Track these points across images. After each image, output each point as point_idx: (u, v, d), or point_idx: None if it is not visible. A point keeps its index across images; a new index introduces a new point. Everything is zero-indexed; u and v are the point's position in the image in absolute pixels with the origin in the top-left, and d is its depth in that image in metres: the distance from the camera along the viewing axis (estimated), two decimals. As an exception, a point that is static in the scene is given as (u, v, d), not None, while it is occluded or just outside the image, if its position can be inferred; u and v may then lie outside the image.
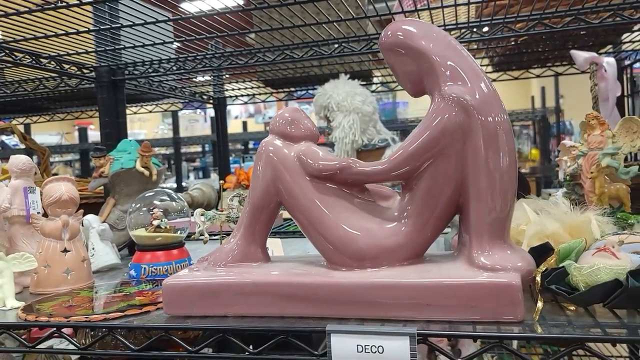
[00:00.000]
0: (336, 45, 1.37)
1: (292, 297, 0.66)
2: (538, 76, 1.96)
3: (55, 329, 0.70)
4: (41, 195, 0.95)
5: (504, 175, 0.64)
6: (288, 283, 0.67)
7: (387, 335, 0.59)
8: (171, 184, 4.16)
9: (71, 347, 0.73)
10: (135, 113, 2.38)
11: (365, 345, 0.60)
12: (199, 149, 6.16)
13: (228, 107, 2.33)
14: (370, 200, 0.72)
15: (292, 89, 2.14)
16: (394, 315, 0.63)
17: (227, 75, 2.08)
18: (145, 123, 5.85)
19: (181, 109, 2.62)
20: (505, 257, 0.64)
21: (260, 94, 2.17)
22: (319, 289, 0.65)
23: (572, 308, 0.64)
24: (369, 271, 0.67)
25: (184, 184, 4.04)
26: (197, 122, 5.56)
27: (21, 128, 4.02)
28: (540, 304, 0.62)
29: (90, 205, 1.45)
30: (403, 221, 0.68)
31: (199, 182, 2.15)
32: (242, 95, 2.19)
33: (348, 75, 1.71)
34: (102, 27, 1.22)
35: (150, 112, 2.37)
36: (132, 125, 5.45)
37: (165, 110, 2.45)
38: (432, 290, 0.62)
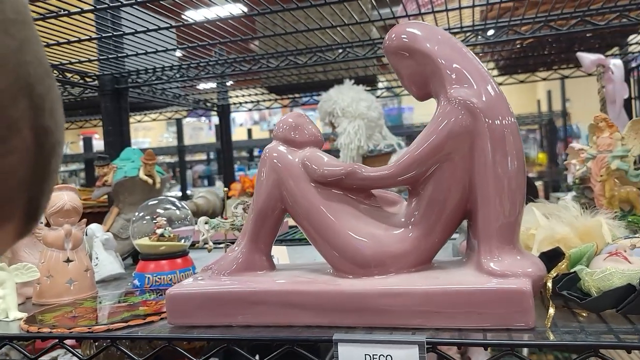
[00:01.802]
0: (340, 51, 1.36)
1: (298, 306, 0.65)
2: (544, 79, 1.95)
3: (57, 340, 0.69)
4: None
5: (512, 178, 0.63)
6: (294, 291, 0.65)
7: (395, 344, 0.58)
8: (176, 192, 4.15)
9: (74, 359, 0.72)
10: (139, 122, 2.38)
11: (373, 355, 0.58)
12: (203, 156, 6.17)
13: (233, 115, 2.34)
14: (376, 206, 0.71)
15: (297, 95, 2.14)
16: (402, 323, 0.62)
17: (230, 83, 2.08)
18: (149, 132, 5.86)
19: (185, 117, 2.62)
20: (515, 263, 0.62)
21: (264, 100, 2.16)
22: (326, 298, 0.64)
23: (584, 314, 0.63)
24: (376, 278, 0.66)
25: (188, 192, 4.04)
26: (201, 130, 5.57)
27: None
28: (552, 310, 0.61)
29: (95, 215, 1.45)
30: (410, 227, 0.67)
31: (203, 190, 2.15)
32: (246, 102, 2.18)
33: (353, 81, 1.70)
34: (104, 35, 1.22)
35: (155, 120, 2.37)
36: (137, 134, 5.46)
37: (170, 119, 2.44)
38: (440, 297, 0.60)
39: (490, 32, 1.36)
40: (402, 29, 0.68)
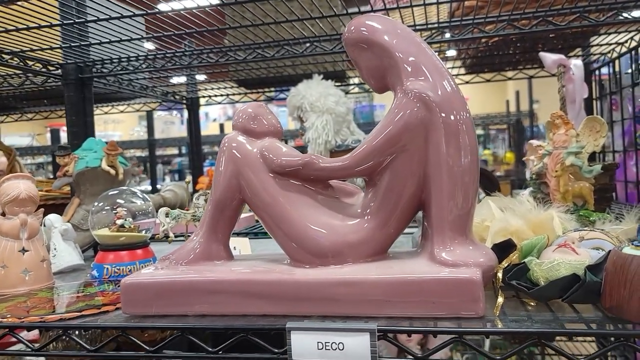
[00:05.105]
0: (307, 44, 1.36)
1: (253, 295, 0.65)
2: (510, 78, 1.98)
3: (8, 330, 0.68)
4: None
5: (465, 172, 0.64)
6: (249, 281, 0.66)
7: (347, 332, 0.58)
8: (146, 186, 4.09)
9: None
10: (106, 113, 2.34)
11: (325, 342, 0.59)
12: (175, 151, 6.10)
13: (206, 110, 2.32)
14: (333, 197, 0.72)
15: (266, 90, 2.13)
16: (355, 312, 0.63)
17: (201, 78, 2.06)
18: (119, 125, 5.76)
19: (153, 109, 2.59)
20: (466, 253, 0.64)
21: (234, 94, 2.15)
22: (280, 287, 0.64)
23: (533, 303, 0.65)
24: (331, 268, 0.67)
25: (159, 186, 3.99)
26: (173, 124, 5.50)
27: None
28: (500, 299, 0.62)
29: (58, 206, 1.42)
30: (366, 217, 0.68)
31: (171, 184, 2.13)
32: (215, 96, 2.16)
33: (321, 76, 1.71)
34: (66, 22, 1.19)
35: (122, 112, 2.33)
36: (106, 127, 5.37)
37: (138, 110, 2.41)
38: (393, 286, 0.61)
39: (456, 31, 1.38)
40: (361, 21, 0.69)
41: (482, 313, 0.60)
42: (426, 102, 0.63)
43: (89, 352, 0.65)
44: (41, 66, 1.40)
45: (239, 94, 2.15)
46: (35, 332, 1.12)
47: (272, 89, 2.13)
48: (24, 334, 0.71)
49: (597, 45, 1.66)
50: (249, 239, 1.12)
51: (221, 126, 5.22)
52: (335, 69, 1.84)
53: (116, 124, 5.64)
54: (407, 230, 0.73)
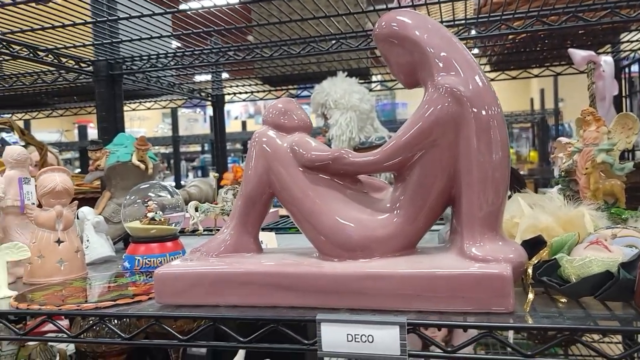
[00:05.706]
0: (333, 42, 1.37)
1: (283, 287, 0.66)
2: (537, 76, 1.96)
3: (46, 316, 0.70)
4: (36, 186, 0.95)
5: (496, 167, 0.64)
6: (279, 273, 0.67)
7: (377, 325, 0.59)
8: (170, 182, 4.15)
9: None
10: (134, 110, 2.38)
11: (355, 335, 0.60)
12: (198, 148, 6.16)
13: (228, 108, 2.35)
14: (362, 192, 0.72)
15: (291, 87, 2.14)
16: (384, 306, 0.63)
17: (226, 76, 2.08)
18: (144, 122, 5.86)
19: (179, 106, 2.62)
20: (496, 249, 0.64)
21: (258, 91, 2.17)
22: (309, 279, 0.65)
23: (564, 300, 0.64)
24: (360, 262, 0.67)
25: (183, 182, 4.04)
26: (196, 122, 5.56)
27: (20, 124, 3.99)
28: (531, 295, 0.62)
29: (88, 200, 1.45)
30: (395, 212, 0.68)
31: (196, 179, 2.16)
32: (240, 93, 2.18)
33: (346, 73, 1.71)
34: (99, 19, 1.22)
35: (149, 109, 2.37)
36: (132, 124, 5.46)
37: (164, 107, 2.45)
38: (422, 280, 0.62)
39: (482, 28, 1.37)
40: (392, 16, 0.69)
41: (512, 309, 0.60)
42: (457, 97, 0.63)
43: (124, 339, 0.67)
44: (74, 63, 1.43)
45: (263, 91, 2.17)
46: (65, 321, 1.16)
47: (296, 86, 2.14)
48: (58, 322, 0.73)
49: (628, 42, 1.64)
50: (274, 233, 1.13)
51: (243, 123, 5.26)
52: (360, 66, 1.85)
53: (141, 120, 5.73)
54: (433, 227, 0.74)
